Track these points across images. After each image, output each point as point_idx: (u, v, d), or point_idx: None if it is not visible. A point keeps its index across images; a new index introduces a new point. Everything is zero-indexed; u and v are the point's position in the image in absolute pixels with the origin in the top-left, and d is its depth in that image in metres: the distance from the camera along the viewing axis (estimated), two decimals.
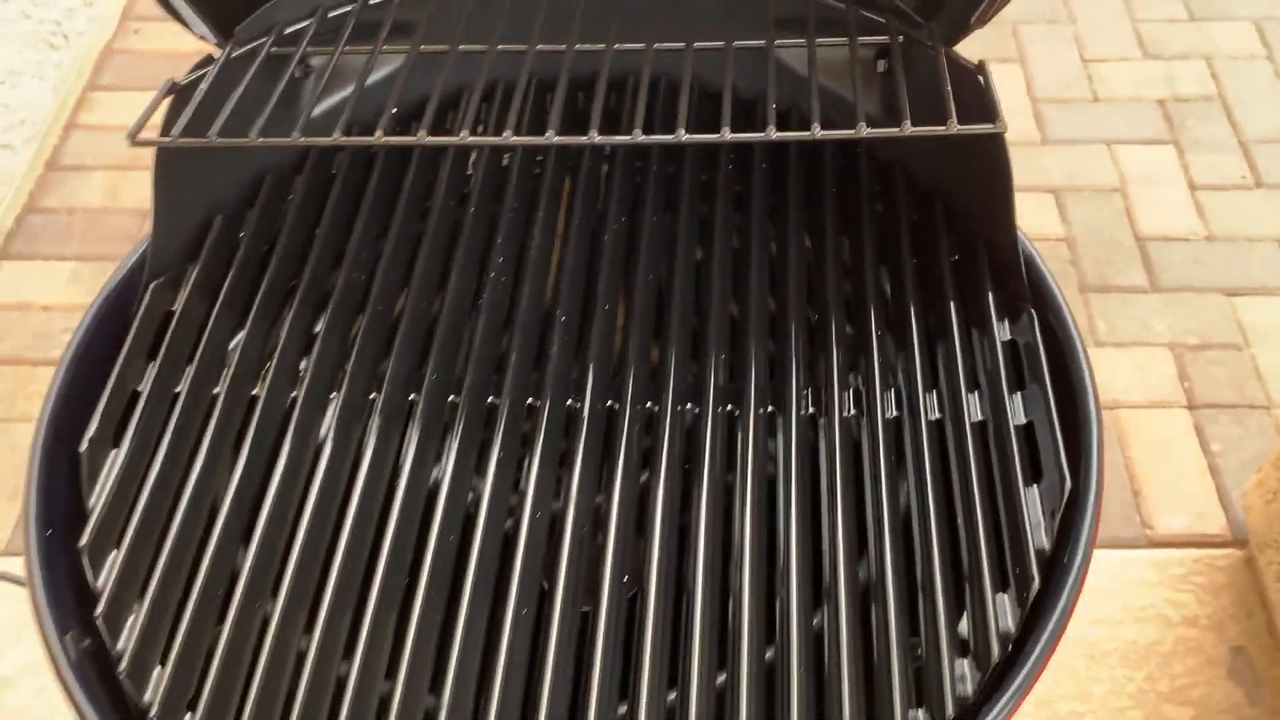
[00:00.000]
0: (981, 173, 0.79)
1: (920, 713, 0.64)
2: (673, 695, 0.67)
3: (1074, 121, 2.32)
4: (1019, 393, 0.77)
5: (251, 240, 0.86)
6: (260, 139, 0.73)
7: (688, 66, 0.80)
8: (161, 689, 0.65)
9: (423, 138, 0.72)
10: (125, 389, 0.79)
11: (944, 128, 0.70)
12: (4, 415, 2.10)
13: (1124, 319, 2.06)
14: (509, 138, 0.75)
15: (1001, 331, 0.79)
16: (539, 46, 0.81)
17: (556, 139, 0.74)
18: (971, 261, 0.82)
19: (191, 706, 0.66)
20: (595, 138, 0.75)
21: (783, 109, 0.79)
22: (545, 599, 0.70)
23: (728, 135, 0.71)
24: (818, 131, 0.70)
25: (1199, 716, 1.66)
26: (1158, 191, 2.22)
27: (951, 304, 0.81)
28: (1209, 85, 2.36)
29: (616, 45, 0.81)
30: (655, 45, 0.80)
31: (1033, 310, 0.79)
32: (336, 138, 0.73)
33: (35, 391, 2.10)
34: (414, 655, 0.67)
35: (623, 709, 0.67)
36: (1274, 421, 1.93)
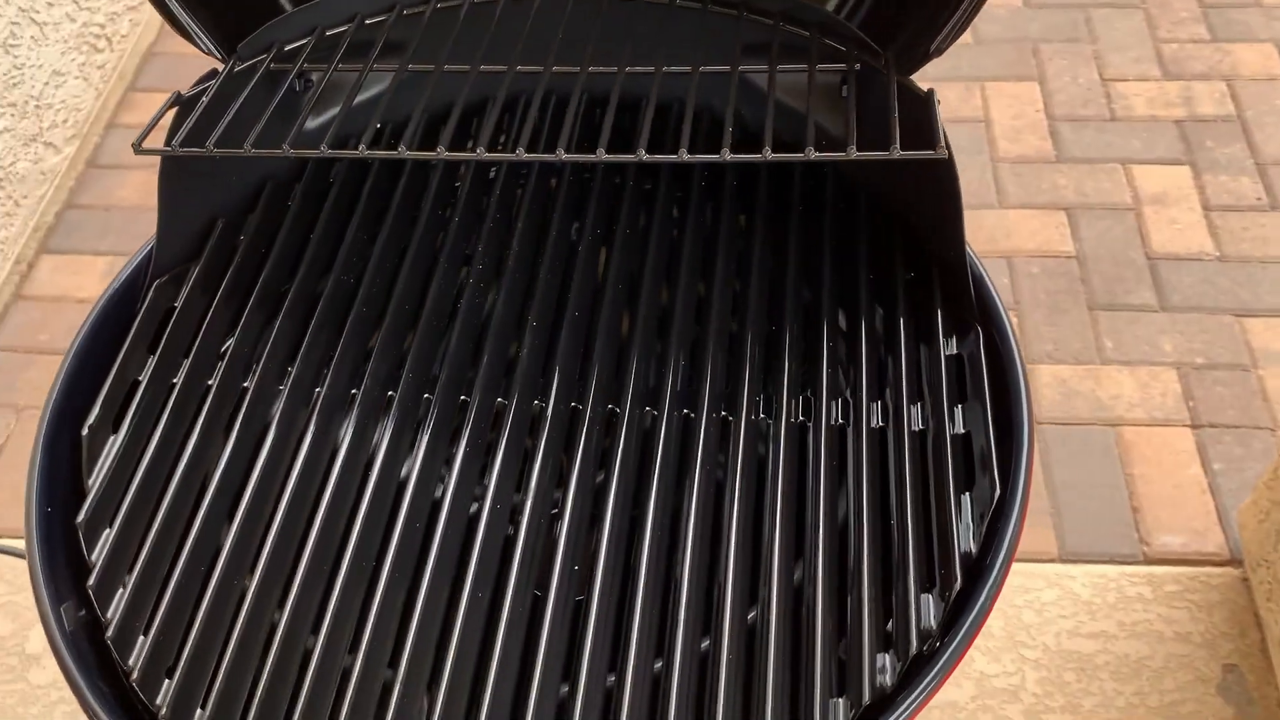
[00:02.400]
0: (933, 196, 0.83)
1: (840, 701, 0.68)
2: (611, 678, 0.72)
3: (1090, 140, 2.34)
4: (959, 405, 0.81)
5: (250, 243, 0.92)
6: (253, 150, 0.79)
7: (655, 88, 0.85)
8: (144, 655, 0.71)
9: (402, 152, 0.78)
10: (126, 379, 0.85)
11: (887, 152, 0.75)
12: (38, 403, 2.18)
13: (1131, 337, 2.08)
14: (482, 154, 0.80)
15: (948, 347, 0.83)
16: (519, 67, 0.86)
17: (526, 155, 0.79)
18: (924, 280, 0.87)
19: (170, 674, 0.72)
20: (563, 155, 0.80)
21: (753, 130, 0.83)
22: (500, 584, 0.75)
23: (686, 156, 0.76)
24: (768, 154, 0.75)
25: None
26: (1171, 211, 2.24)
27: (901, 320, 0.85)
28: (1228, 106, 2.37)
29: (591, 68, 0.86)
30: (627, 69, 0.85)
31: (979, 328, 0.83)
32: (323, 151, 0.78)
33: None
34: (375, 631, 0.72)
35: (564, 689, 0.72)
36: (1277, 443, 1.94)
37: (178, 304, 0.89)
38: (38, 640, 1.83)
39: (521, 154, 0.79)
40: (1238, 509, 1.80)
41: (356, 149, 0.79)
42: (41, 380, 2.19)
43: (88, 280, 2.36)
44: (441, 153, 0.80)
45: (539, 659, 0.71)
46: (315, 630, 0.73)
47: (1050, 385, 1.96)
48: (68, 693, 1.75)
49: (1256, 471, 1.90)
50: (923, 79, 0.86)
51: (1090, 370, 2.07)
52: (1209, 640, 1.76)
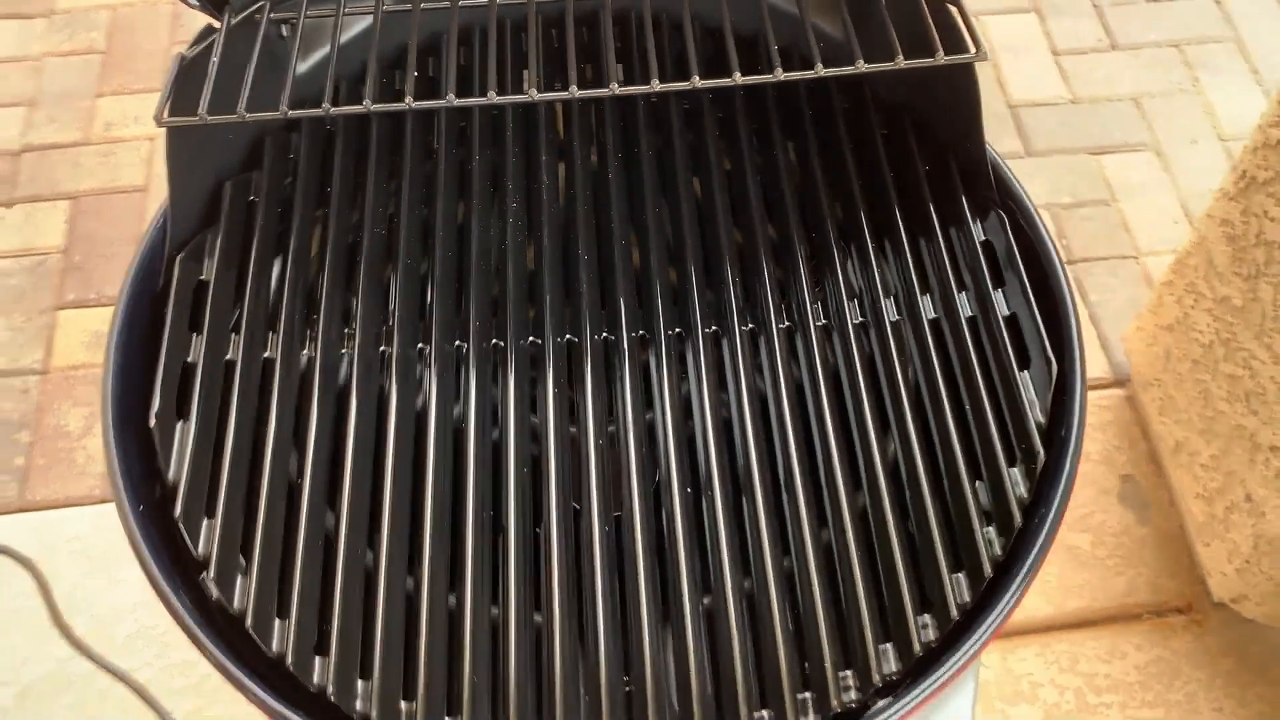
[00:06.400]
0: (953, 94, 0.87)
1: (961, 576, 0.75)
2: (706, 599, 0.76)
3: None
4: (1000, 288, 0.87)
5: (266, 203, 0.89)
6: (289, 113, 0.76)
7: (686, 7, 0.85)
8: (291, 640, 0.72)
9: (410, 104, 0.76)
10: (178, 362, 0.82)
11: (933, 59, 0.78)
12: None
13: None
14: (493, 98, 0.79)
15: (977, 233, 0.89)
16: None
17: (538, 96, 0.78)
18: (944, 173, 0.91)
19: (322, 651, 0.72)
20: (575, 93, 0.80)
21: (780, 46, 0.85)
22: (566, 511, 0.78)
23: (739, 79, 0.77)
24: (819, 70, 0.77)
25: (1098, 540, 1.86)
26: (1024, 60, 2.36)
27: (933, 212, 0.90)
28: None
29: None
30: None
31: (1002, 212, 0.89)
32: (327, 108, 0.76)
33: None
34: (474, 571, 0.74)
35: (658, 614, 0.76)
36: (1142, 270, 2.12)
37: (207, 277, 0.86)
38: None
39: (534, 95, 0.78)
40: (1121, 335, 1.97)
41: (360, 102, 0.76)
42: None
43: None
44: (452, 100, 0.79)
45: (639, 588, 0.74)
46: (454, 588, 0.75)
47: None
48: (9, 675, 1.68)
49: (1128, 296, 2.08)
50: None
51: None
52: (1106, 455, 1.94)
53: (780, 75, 0.77)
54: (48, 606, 1.73)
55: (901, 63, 0.78)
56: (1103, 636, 1.83)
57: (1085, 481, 1.92)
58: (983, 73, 2.33)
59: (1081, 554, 1.85)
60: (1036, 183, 2.21)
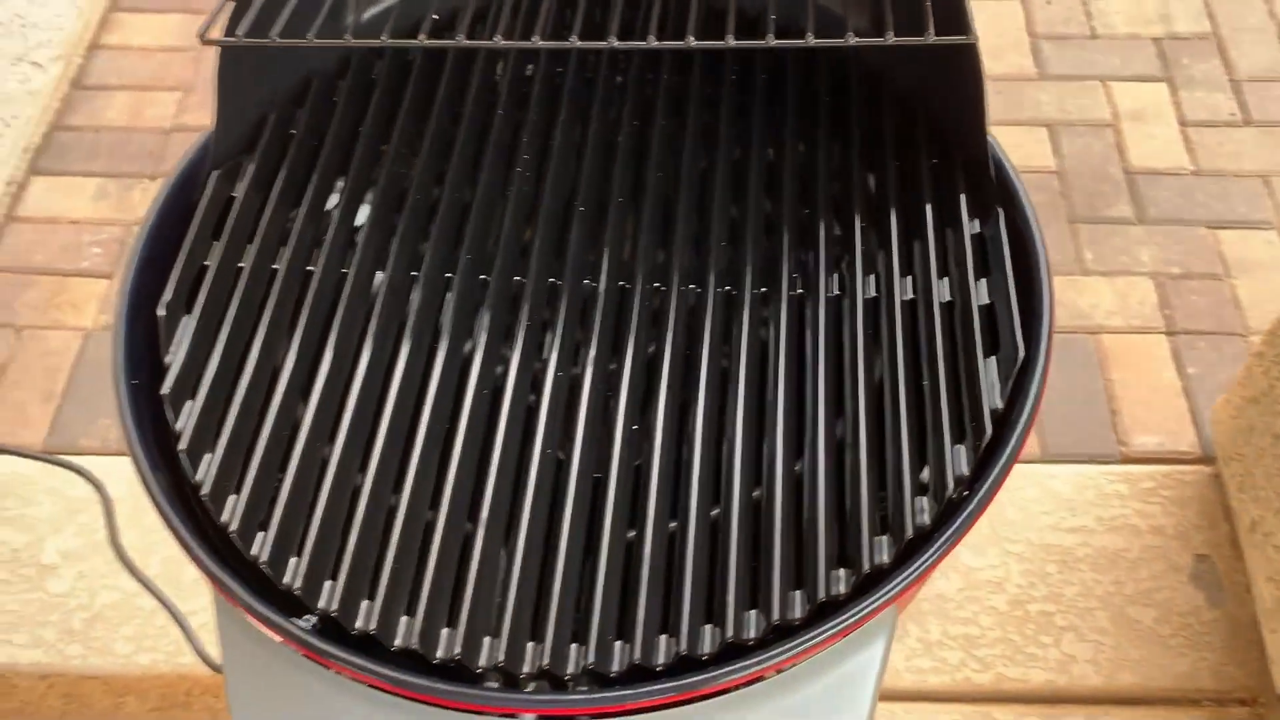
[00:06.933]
0: (958, 82, 0.89)
1: (884, 539, 0.75)
2: (674, 524, 0.78)
3: (1071, 58, 2.40)
4: (984, 279, 0.87)
5: (302, 137, 0.97)
6: (316, 40, 0.83)
7: None
8: (239, 511, 0.77)
9: (460, 41, 0.82)
10: (195, 263, 0.89)
11: (922, 38, 0.80)
12: (38, 322, 2.21)
13: (1110, 249, 2.16)
14: (537, 42, 0.85)
15: (971, 226, 0.90)
16: None
17: (579, 43, 0.83)
18: (948, 165, 0.93)
19: (264, 526, 0.77)
20: (615, 43, 0.85)
21: (783, 24, 0.88)
22: (566, 445, 0.81)
23: (731, 42, 0.81)
24: (810, 40, 0.80)
25: (1162, 618, 1.78)
26: (1149, 127, 2.31)
27: (928, 203, 0.91)
28: (1204, 24, 2.43)
29: None
30: None
31: (999, 208, 0.90)
32: (384, 40, 0.82)
33: (67, 301, 2.22)
34: (455, 488, 0.78)
35: (631, 534, 0.78)
36: (1249, 348, 2.03)
37: (237, 194, 0.93)
38: (53, 550, 1.88)
39: (575, 41, 0.84)
40: (1211, 408, 1.89)
41: (415, 39, 0.83)
42: (40, 300, 2.21)
43: (79, 202, 2.37)
44: (499, 41, 0.85)
45: (607, 509, 0.77)
46: (398, 489, 0.79)
47: None
48: (86, 598, 1.80)
49: (1229, 375, 2.00)
50: None
51: (1071, 281, 2.15)
52: (1182, 532, 1.86)
53: (771, 42, 0.80)
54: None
55: (890, 39, 0.80)
56: (1157, 718, 1.75)
57: (1154, 556, 1.85)
58: (1103, 138, 2.31)
59: (1142, 629, 1.77)
60: (1146, 251, 2.15)
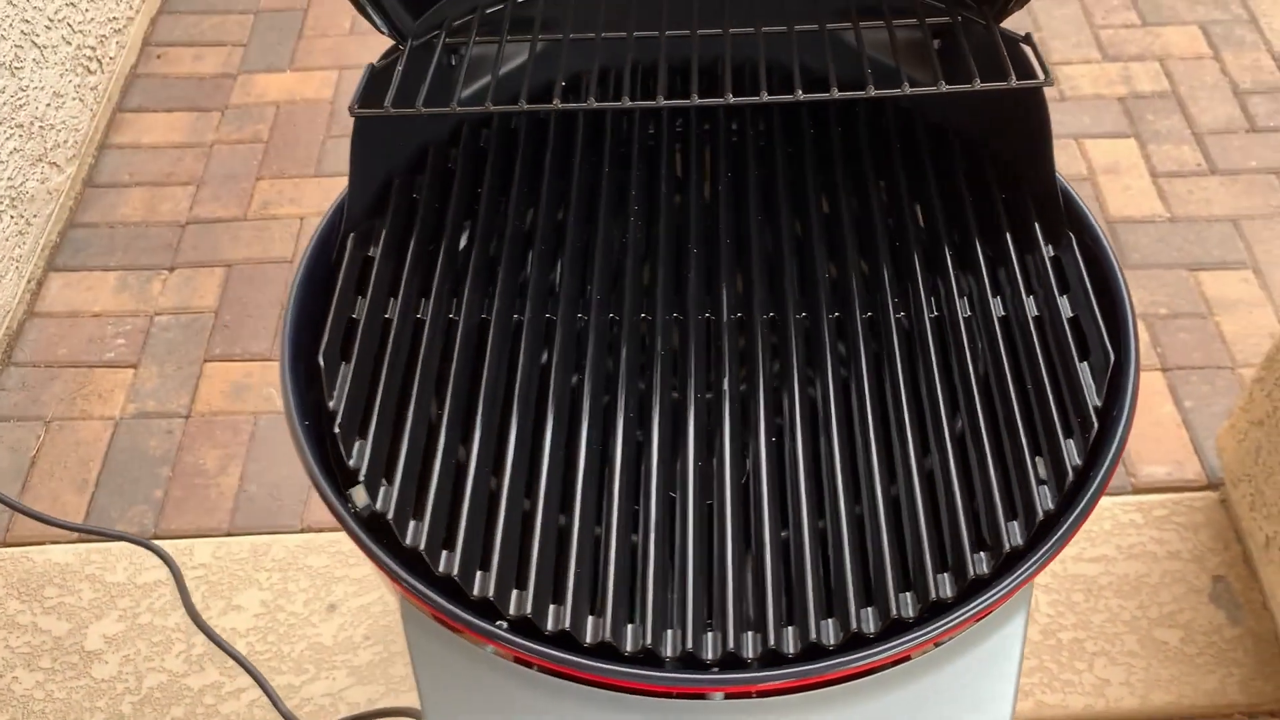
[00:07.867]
0: (1025, 122, 0.99)
1: (1016, 524, 0.83)
2: (821, 522, 0.86)
3: None
4: (1065, 295, 0.97)
5: (427, 198, 1.05)
6: (459, 109, 0.92)
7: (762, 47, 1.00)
8: (424, 533, 0.83)
9: (591, 103, 0.91)
10: (344, 316, 0.96)
11: (1006, 83, 0.91)
12: (67, 414, 2.24)
13: None
14: (626, 102, 0.94)
15: (1047, 250, 1.00)
16: (635, 34, 1.01)
17: (665, 103, 0.93)
18: (1019, 198, 1.03)
19: (449, 545, 0.84)
20: (696, 100, 0.95)
21: (860, 81, 0.98)
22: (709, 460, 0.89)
23: (801, 96, 0.92)
24: (907, 89, 0.90)
25: (1187, 638, 1.86)
26: (1124, 179, 2.46)
27: (1007, 232, 1.01)
28: (1163, 83, 2.61)
29: (700, 31, 1.01)
30: (730, 30, 1.01)
31: (1071, 234, 1.00)
32: (522, 105, 0.92)
33: (93, 391, 2.25)
34: (620, 506, 0.85)
35: (785, 532, 0.86)
36: (1238, 380, 2.15)
37: (374, 253, 1.01)
38: (95, 638, 1.90)
39: (661, 100, 0.93)
40: (1216, 434, 2.00)
41: (549, 103, 0.92)
42: (66, 392, 2.24)
43: (100, 295, 2.42)
44: (591, 103, 0.94)
45: (764, 511, 0.85)
46: (566, 510, 0.86)
47: None
48: (133, 683, 1.82)
49: (1223, 405, 2.12)
50: None
51: None
52: (1197, 555, 1.95)
53: (835, 94, 0.91)
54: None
55: (978, 84, 0.91)
56: None
57: (1173, 579, 1.94)
58: (1081, 191, 2.45)
59: (1170, 650, 1.85)
60: (1134, 295, 2.28)
